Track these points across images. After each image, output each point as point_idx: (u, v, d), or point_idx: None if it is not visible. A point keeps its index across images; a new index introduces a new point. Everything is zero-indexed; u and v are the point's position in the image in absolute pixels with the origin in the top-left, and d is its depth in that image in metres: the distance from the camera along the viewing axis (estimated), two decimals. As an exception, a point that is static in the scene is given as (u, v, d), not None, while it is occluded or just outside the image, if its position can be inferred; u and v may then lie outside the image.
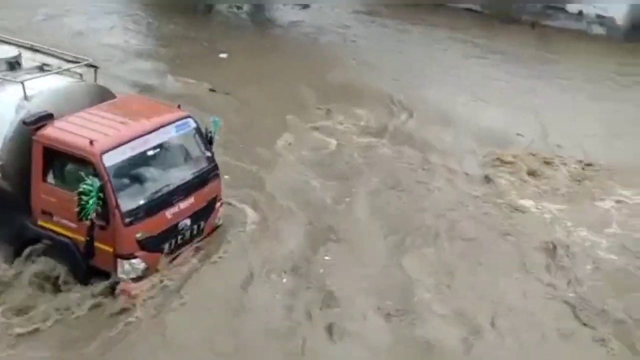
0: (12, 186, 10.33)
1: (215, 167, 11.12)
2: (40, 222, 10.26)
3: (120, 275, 9.98)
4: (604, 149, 14.79)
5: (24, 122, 10.02)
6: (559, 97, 17.51)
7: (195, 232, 10.83)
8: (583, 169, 14.09)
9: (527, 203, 12.89)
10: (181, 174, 10.66)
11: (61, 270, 10.27)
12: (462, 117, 16.22)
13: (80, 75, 11.26)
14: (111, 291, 10.05)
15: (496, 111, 16.59)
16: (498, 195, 13.12)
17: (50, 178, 10.06)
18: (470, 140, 15.17)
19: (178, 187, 10.50)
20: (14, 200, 10.43)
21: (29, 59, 11.42)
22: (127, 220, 9.77)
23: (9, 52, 11.27)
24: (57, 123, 10.08)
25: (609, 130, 15.63)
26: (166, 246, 10.39)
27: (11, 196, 10.42)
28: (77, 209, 9.40)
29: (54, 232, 10.17)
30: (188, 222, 10.63)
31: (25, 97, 10.32)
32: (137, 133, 10.16)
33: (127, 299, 9.98)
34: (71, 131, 9.97)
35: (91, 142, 9.65)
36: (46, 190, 10.04)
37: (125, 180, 9.95)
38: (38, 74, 10.98)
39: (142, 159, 10.15)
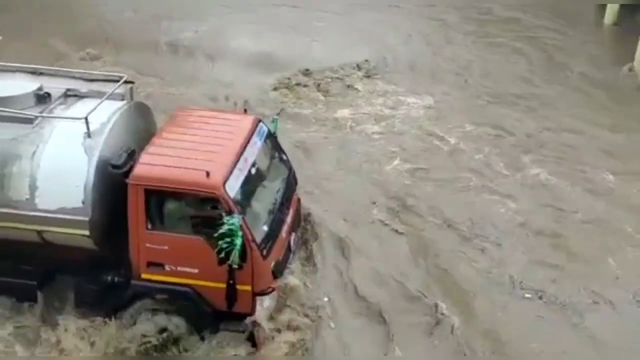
0: (101, 241, 8.71)
1: (292, 169, 10.13)
2: (144, 276, 8.77)
3: (258, 313, 8.85)
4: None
5: (115, 166, 8.40)
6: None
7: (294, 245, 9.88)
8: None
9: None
10: (277, 186, 9.59)
11: (173, 325, 8.91)
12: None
13: (123, 95, 9.56)
14: (250, 338, 8.91)
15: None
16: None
17: (157, 224, 8.57)
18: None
19: (281, 201, 9.47)
20: (99, 257, 8.85)
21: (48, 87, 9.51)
22: (264, 252, 8.65)
23: (27, 83, 9.29)
24: (144, 158, 8.56)
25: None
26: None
27: (96, 252, 8.81)
28: (221, 254, 8.15)
29: (167, 283, 8.75)
30: (293, 236, 9.68)
31: (89, 135, 8.61)
32: (236, 152, 8.91)
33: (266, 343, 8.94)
34: (169, 165, 8.52)
35: (207, 174, 8.32)
36: (153, 239, 8.56)
37: (245, 209, 8.73)
38: (89, 104, 9.16)
39: (249, 180, 8.95)
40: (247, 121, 9.58)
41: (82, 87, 9.69)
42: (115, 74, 9.93)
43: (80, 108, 9.13)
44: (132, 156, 8.53)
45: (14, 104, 8.89)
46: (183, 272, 8.65)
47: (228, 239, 8.09)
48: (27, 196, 8.53)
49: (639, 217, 11.29)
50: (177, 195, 8.53)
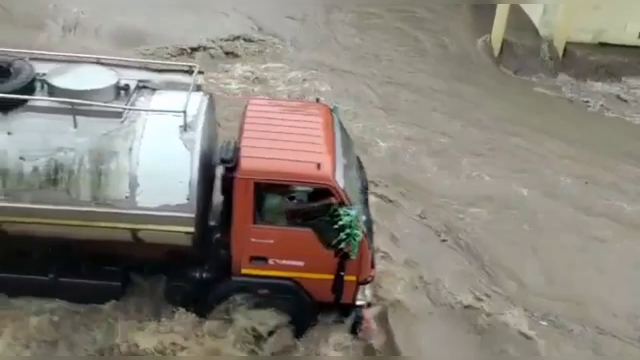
0: (198, 237, 8.45)
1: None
2: (244, 271, 8.59)
3: (360, 302, 8.88)
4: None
5: (224, 160, 8.15)
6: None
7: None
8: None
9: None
10: (357, 173, 9.58)
11: (273, 320, 8.80)
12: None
13: (199, 86, 9.22)
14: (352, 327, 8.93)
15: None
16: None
17: (263, 218, 8.40)
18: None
19: (364, 187, 9.51)
20: (185, 254, 8.61)
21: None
22: (370, 241, 8.67)
23: (105, 75, 8.81)
24: (245, 151, 8.36)
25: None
26: (370, 256, 9.40)
27: (186, 250, 8.55)
28: (340, 245, 8.13)
29: (269, 277, 8.62)
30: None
31: (186, 128, 8.31)
32: (330, 143, 8.86)
33: (370, 332, 9.00)
34: (274, 158, 8.37)
35: (318, 166, 8.24)
36: (259, 233, 8.39)
37: (350, 199, 8.68)
38: (165, 96, 8.82)
39: (345, 170, 8.90)
40: (323, 110, 9.49)
41: (148, 77, 9.27)
42: (185, 64, 9.52)
43: (159, 100, 8.77)
44: (238, 150, 8.29)
45: (97, 97, 8.42)
46: (287, 265, 8.54)
47: (348, 230, 8.05)
48: (127, 194, 8.13)
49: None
50: (286, 188, 8.37)
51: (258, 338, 8.75)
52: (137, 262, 8.93)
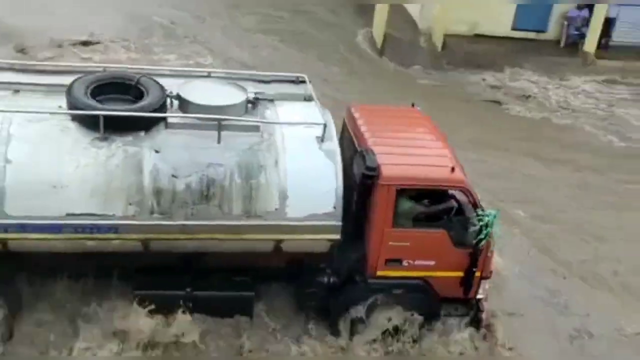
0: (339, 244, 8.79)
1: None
2: (379, 273, 8.98)
3: (481, 296, 9.44)
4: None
5: (372, 169, 8.50)
6: None
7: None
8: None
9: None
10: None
11: (402, 318, 9.24)
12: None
13: (307, 96, 9.47)
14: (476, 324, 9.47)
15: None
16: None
17: (401, 221, 8.81)
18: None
19: None
20: (317, 260, 8.95)
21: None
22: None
23: (234, 89, 8.96)
24: (382, 159, 8.72)
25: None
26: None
27: (320, 256, 8.88)
28: (481, 243, 8.67)
29: (402, 278, 9.05)
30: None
31: (323, 139, 8.64)
32: (446, 146, 9.38)
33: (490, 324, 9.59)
34: (409, 164, 8.81)
35: (452, 170, 8.75)
36: (396, 236, 8.80)
37: (475, 199, 9.21)
38: (285, 107, 9.07)
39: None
40: (419, 114, 9.99)
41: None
42: (292, 74, 9.75)
43: (285, 112, 9.00)
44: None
45: (233, 112, 8.58)
46: (419, 265, 8.99)
47: (489, 229, 8.60)
48: (277, 206, 8.35)
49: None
50: (423, 192, 8.82)
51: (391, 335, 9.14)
52: (263, 272, 9.13)
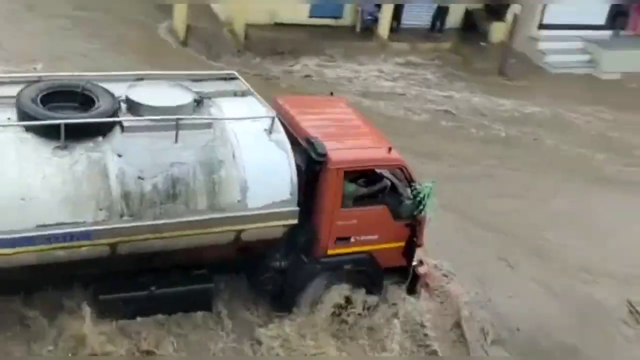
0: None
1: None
2: (330, 252, 9.65)
3: (414, 263, 10.36)
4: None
5: (322, 155, 9.12)
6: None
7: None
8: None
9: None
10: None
11: (349, 291, 9.99)
12: None
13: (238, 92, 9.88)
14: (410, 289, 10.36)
15: None
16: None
17: (347, 201, 9.51)
18: None
19: None
20: (270, 245, 9.51)
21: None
22: (424, 210, 10.16)
23: (180, 90, 9.21)
24: (321, 144, 9.37)
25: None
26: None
27: (274, 241, 9.44)
28: (421, 212, 9.57)
29: (350, 254, 9.77)
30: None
31: (271, 131, 9.18)
32: (374, 129, 10.21)
33: (427, 289, 10.54)
34: (349, 148, 9.55)
35: (389, 150, 9.59)
36: (344, 216, 9.50)
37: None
38: (227, 103, 9.47)
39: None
40: (342, 102, 10.74)
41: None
42: (220, 72, 10.10)
43: (227, 107, 9.36)
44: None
45: (183, 111, 8.83)
46: (365, 240, 9.74)
47: (427, 200, 9.52)
48: (239, 198, 8.76)
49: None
50: (366, 172, 9.56)
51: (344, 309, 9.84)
52: (218, 264, 9.51)
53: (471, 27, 22.68)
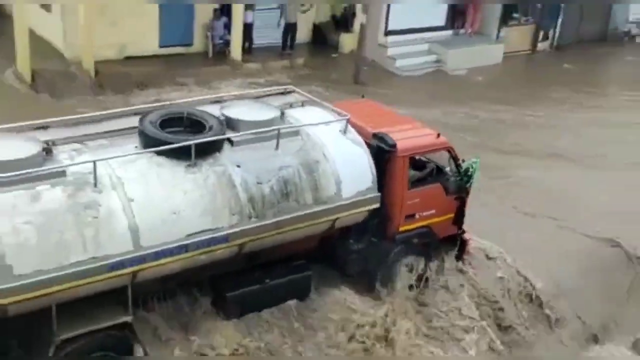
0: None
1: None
2: (401, 229, 11.20)
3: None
4: None
5: (392, 145, 10.69)
6: None
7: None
8: None
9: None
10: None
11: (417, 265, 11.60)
12: None
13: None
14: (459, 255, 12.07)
15: None
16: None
17: (412, 183, 11.11)
18: None
19: None
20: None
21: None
22: (467, 186, 11.87)
23: (265, 107, 10.52)
24: (389, 137, 10.92)
25: None
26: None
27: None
28: (466, 183, 11.32)
29: (416, 229, 11.36)
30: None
31: (345, 131, 10.64)
32: (411, 120, 11.94)
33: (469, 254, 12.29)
34: (407, 137, 11.13)
35: (438, 135, 11.29)
36: (410, 196, 11.08)
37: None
38: (309, 109, 10.95)
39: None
40: (372, 102, 12.42)
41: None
42: (279, 87, 11.50)
43: (303, 116, 10.67)
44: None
45: (276, 123, 10.10)
46: (426, 215, 11.35)
47: (470, 172, 11.27)
48: (335, 191, 10.15)
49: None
50: (424, 157, 11.21)
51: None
52: (307, 254, 10.86)
53: (321, 40, 23.48)
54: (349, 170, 10.27)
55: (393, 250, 11.15)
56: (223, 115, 9.98)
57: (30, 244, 8.01)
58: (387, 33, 23.33)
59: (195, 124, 9.79)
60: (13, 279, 7.93)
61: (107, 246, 8.44)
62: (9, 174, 8.17)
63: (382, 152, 10.65)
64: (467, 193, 11.48)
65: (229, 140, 9.67)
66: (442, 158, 11.64)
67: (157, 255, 8.78)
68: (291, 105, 10.97)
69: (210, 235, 9.15)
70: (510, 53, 25.46)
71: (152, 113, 9.74)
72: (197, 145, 9.21)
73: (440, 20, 24.41)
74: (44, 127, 9.51)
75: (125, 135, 9.51)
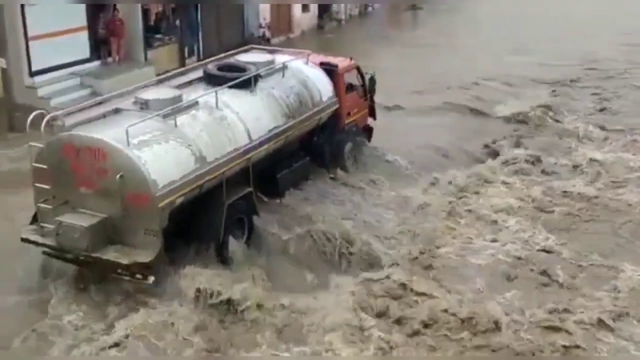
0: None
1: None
2: (346, 122, 17.40)
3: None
4: None
5: (335, 67, 16.89)
6: None
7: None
8: None
9: None
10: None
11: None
12: None
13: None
14: (369, 137, 18.74)
15: None
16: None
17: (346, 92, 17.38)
18: None
19: None
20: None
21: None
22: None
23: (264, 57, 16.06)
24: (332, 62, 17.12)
25: None
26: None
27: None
28: (371, 87, 17.98)
29: (350, 122, 17.66)
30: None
31: (307, 62, 16.61)
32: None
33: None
34: (339, 62, 17.33)
35: (351, 59, 17.72)
36: (348, 99, 17.24)
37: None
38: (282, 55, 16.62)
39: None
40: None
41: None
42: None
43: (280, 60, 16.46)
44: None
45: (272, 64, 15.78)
46: (354, 112, 17.67)
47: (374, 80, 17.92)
48: (319, 98, 15.99)
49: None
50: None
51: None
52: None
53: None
54: (320, 84, 16.16)
55: (342, 138, 17.24)
56: (245, 61, 15.32)
57: (207, 142, 12.85)
58: (33, 74, 21.60)
59: (236, 70, 14.95)
60: (207, 165, 12.75)
61: (238, 141, 13.53)
62: (177, 105, 12.90)
63: (329, 72, 16.67)
64: (374, 93, 17.99)
65: (259, 75, 15.02)
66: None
67: (261, 143, 14.00)
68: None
69: (275, 131, 14.53)
70: (162, 73, 23.90)
71: (209, 65, 14.78)
72: (248, 79, 14.51)
73: (85, 53, 23.42)
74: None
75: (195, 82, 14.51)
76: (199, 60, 25.38)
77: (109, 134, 11.91)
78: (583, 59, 29.14)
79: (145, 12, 25.26)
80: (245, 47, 17.18)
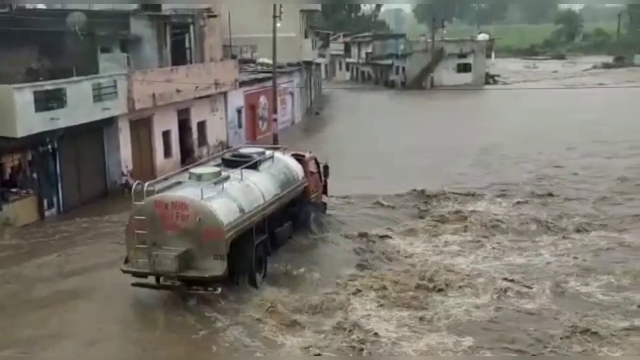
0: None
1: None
2: (311, 197, 24.06)
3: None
4: None
5: (303, 157, 23.61)
6: None
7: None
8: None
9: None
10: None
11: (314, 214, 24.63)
12: None
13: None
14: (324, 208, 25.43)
15: None
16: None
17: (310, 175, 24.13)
18: None
19: None
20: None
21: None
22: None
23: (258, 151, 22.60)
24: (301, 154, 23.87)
25: None
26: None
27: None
28: (325, 172, 24.85)
29: (313, 196, 24.29)
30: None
31: (284, 154, 23.34)
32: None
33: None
34: (304, 153, 24.13)
35: (310, 152, 24.56)
36: (311, 180, 24.02)
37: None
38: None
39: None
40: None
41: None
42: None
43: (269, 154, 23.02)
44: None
45: (268, 158, 22.36)
46: (314, 189, 24.37)
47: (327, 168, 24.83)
48: (295, 178, 22.56)
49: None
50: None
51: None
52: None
53: None
54: (296, 168, 22.77)
55: (309, 209, 23.70)
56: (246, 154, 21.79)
57: (243, 200, 19.03)
58: None
59: (244, 157, 21.35)
60: (245, 214, 18.87)
61: (258, 200, 19.79)
62: (222, 176, 19.13)
63: (299, 160, 23.31)
64: (327, 176, 24.75)
65: (261, 160, 21.44)
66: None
67: (270, 204, 20.27)
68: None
69: (277, 196, 20.84)
70: (18, 228, 24.84)
71: (225, 155, 21.15)
72: (254, 164, 20.96)
73: None
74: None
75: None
76: (58, 213, 26.80)
77: (187, 192, 17.97)
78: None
79: (0, 166, 24.96)
80: (238, 146, 23.64)
